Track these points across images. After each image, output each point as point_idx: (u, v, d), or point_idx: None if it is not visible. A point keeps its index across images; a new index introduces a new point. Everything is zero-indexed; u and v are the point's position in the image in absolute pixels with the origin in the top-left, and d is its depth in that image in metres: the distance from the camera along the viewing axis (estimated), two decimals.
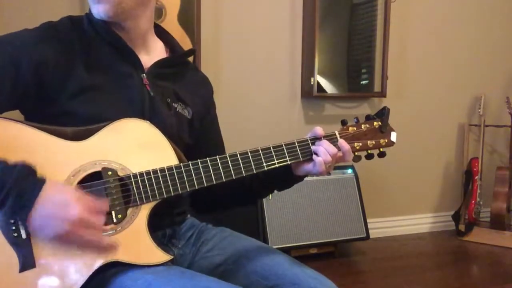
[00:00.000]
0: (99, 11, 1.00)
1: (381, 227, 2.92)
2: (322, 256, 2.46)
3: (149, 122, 0.98)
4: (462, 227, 2.95)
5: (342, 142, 1.06)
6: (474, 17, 3.05)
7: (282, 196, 2.36)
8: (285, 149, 1.04)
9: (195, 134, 1.17)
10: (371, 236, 2.55)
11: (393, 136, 1.13)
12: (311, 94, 2.60)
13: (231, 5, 2.48)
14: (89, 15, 1.05)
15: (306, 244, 2.39)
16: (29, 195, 0.83)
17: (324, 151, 1.03)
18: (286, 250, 2.26)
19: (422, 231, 3.07)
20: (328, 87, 2.67)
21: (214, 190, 1.06)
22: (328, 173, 1.08)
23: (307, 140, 1.06)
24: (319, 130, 1.07)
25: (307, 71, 2.61)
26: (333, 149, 1.04)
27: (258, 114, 2.59)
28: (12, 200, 0.82)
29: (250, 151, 1.03)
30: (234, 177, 1.01)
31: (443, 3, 2.97)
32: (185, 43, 2.27)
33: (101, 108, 0.98)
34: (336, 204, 2.48)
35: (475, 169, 2.98)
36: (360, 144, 1.11)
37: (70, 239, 0.86)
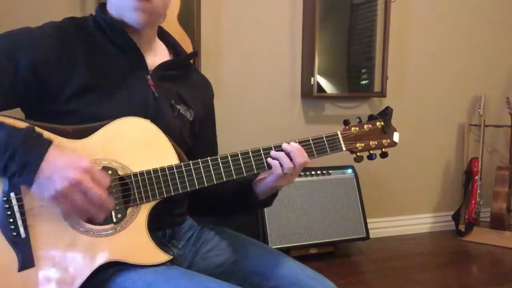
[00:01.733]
0: (134, 18, 1.03)
1: (381, 227, 2.92)
2: (322, 256, 2.45)
3: (149, 120, 0.98)
4: (462, 227, 2.94)
5: (284, 145, 1.04)
6: (474, 17, 3.05)
7: (282, 196, 2.36)
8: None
9: (195, 136, 1.17)
10: (371, 236, 2.55)
11: (396, 137, 1.13)
12: (311, 94, 2.60)
13: (231, 5, 2.48)
14: (95, 16, 1.05)
15: (306, 244, 2.39)
16: (38, 151, 0.84)
17: (277, 156, 1.02)
18: (286, 250, 2.26)
19: (422, 231, 3.07)
20: (328, 87, 2.67)
21: (214, 199, 1.07)
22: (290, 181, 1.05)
23: (260, 151, 1.04)
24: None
25: (307, 71, 2.61)
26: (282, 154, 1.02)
27: (258, 114, 2.59)
28: (20, 158, 0.82)
29: (251, 151, 1.03)
30: (235, 177, 1.01)
31: (443, 3, 2.97)
32: (186, 43, 2.27)
33: (103, 108, 0.98)
34: (336, 204, 2.48)
35: (475, 169, 2.98)
36: (363, 145, 1.10)
37: (79, 190, 0.84)
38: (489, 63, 3.12)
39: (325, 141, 1.08)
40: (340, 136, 1.08)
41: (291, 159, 1.01)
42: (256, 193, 1.09)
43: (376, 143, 1.11)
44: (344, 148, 1.09)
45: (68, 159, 0.85)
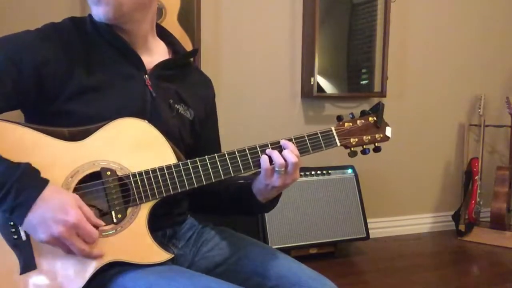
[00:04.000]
0: (98, 13, 1.00)
1: (381, 227, 2.92)
2: (322, 256, 2.46)
3: (147, 121, 0.99)
4: (462, 227, 2.94)
5: (283, 142, 1.04)
6: (474, 17, 3.05)
7: (282, 196, 2.34)
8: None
9: (196, 135, 1.17)
10: (371, 236, 2.55)
11: (388, 131, 1.14)
12: (311, 94, 2.60)
13: (231, 5, 2.48)
14: (91, 16, 1.05)
15: (306, 244, 2.39)
16: (30, 194, 0.83)
17: (269, 152, 1.02)
18: (286, 250, 2.26)
19: (422, 231, 3.07)
20: (328, 87, 2.67)
21: (215, 198, 1.09)
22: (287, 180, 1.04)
23: (256, 148, 1.04)
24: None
25: (307, 71, 2.61)
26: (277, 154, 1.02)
27: (258, 114, 2.59)
28: (13, 196, 0.82)
29: (247, 148, 1.03)
30: (232, 175, 1.01)
31: (443, 3, 2.97)
32: (185, 44, 2.27)
33: (101, 108, 0.98)
34: (336, 204, 2.48)
35: (475, 169, 2.98)
36: (356, 140, 1.11)
37: (61, 243, 0.85)
38: (489, 63, 3.12)
39: (320, 137, 1.08)
40: (334, 131, 1.09)
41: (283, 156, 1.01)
42: (253, 193, 1.08)
43: (369, 137, 1.12)
44: (338, 144, 1.10)
45: (58, 208, 0.84)
